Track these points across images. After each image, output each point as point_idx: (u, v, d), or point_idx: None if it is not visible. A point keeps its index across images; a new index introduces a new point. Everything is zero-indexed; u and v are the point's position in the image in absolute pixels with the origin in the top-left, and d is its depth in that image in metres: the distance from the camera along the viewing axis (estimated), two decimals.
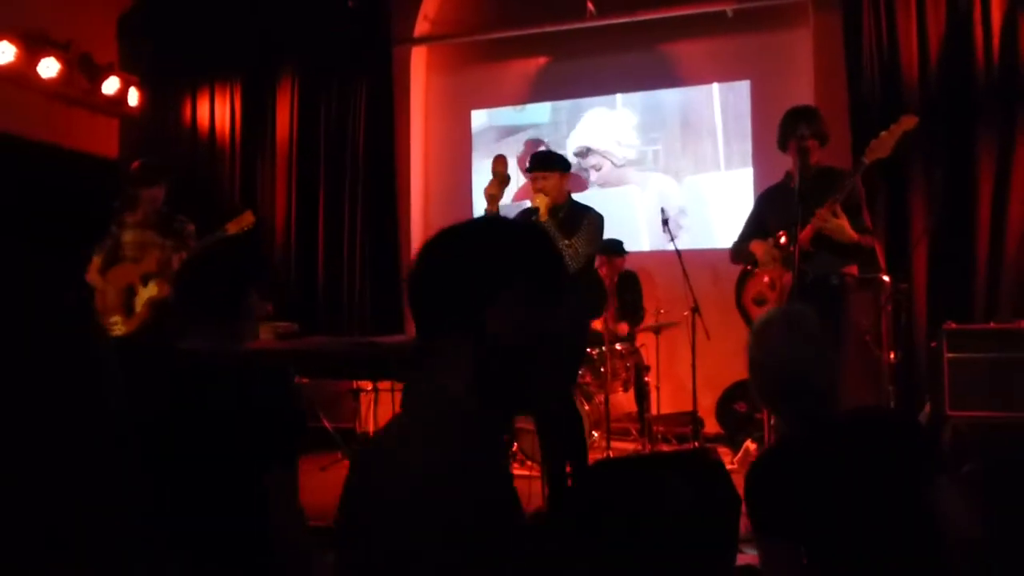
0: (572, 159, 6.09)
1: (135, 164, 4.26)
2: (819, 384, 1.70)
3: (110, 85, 5.89)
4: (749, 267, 3.75)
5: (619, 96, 6.13)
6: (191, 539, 1.64)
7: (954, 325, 4.17)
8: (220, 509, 1.65)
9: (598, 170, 6.16)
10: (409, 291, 1.12)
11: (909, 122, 3.37)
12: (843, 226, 3.35)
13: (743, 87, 5.80)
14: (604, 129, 6.15)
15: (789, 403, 1.73)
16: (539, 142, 6.23)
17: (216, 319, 1.79)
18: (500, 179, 3.64)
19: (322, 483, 4.42)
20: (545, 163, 3.74)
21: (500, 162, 3.68)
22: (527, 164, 3.87)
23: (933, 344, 4.30)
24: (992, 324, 4.20)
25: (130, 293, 4.11)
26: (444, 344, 1.09)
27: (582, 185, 6.13)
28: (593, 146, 6.17)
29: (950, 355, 4.11)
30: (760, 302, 3.64)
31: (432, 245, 1.13)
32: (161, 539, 1.66)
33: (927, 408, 4.42)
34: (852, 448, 1.65)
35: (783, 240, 3.53)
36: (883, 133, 3.37)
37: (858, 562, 1.59)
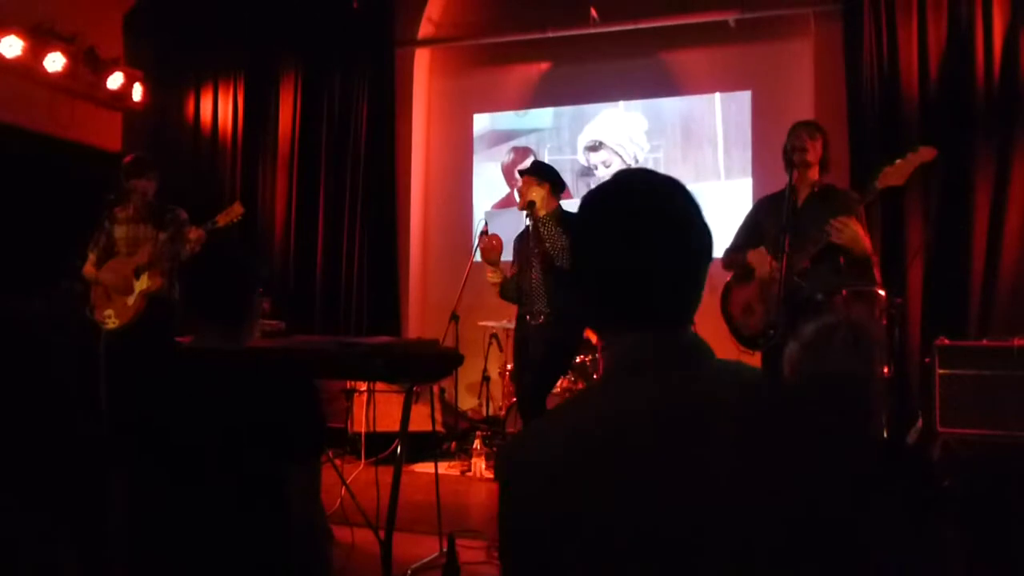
0: (582, 154, 6.13)
1: (127, 157, 4.30)
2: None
3: (115, 80, 5.92)
4: (734, 277, 3.72)
5: (623, 103, 6.14)
6: (210, 536, 1.65)
7: (947, 341, 4.15)
8: (240, 506, 1.65)
9: (607, 167, 6.15)
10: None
11: (928, 154, 3.25)
12: (858, 235, 3.26)
13: (744, 97, 5.80)
14: (617, 127, 6.14)
15: None
16: (527, 150, 6.24)
17: (225, 320, 1.80)
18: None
19: None
20: (541, 173, 3.82)
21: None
22: (522, 169, 3.95)
23: (927, 360, 4.28)
24: (984, 341, 4.18)
25: (125, 287, 4.14)
26: None
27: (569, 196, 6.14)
28: (606, 141, 6.17)
29: (942, 371, 4.09)
30: (749, 311, 3.62)
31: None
32: (177, 536, 1.66)
33: (919, 423, 4.40)
34: None
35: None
36: (899, 161, 3.26)
37: None
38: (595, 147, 6.17)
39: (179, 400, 1.69)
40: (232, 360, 1.74)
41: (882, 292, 4.32)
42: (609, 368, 1.01)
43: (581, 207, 1.05)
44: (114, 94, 6.00)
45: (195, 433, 1.66)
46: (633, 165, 6.09)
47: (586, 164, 6.13)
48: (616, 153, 6.13)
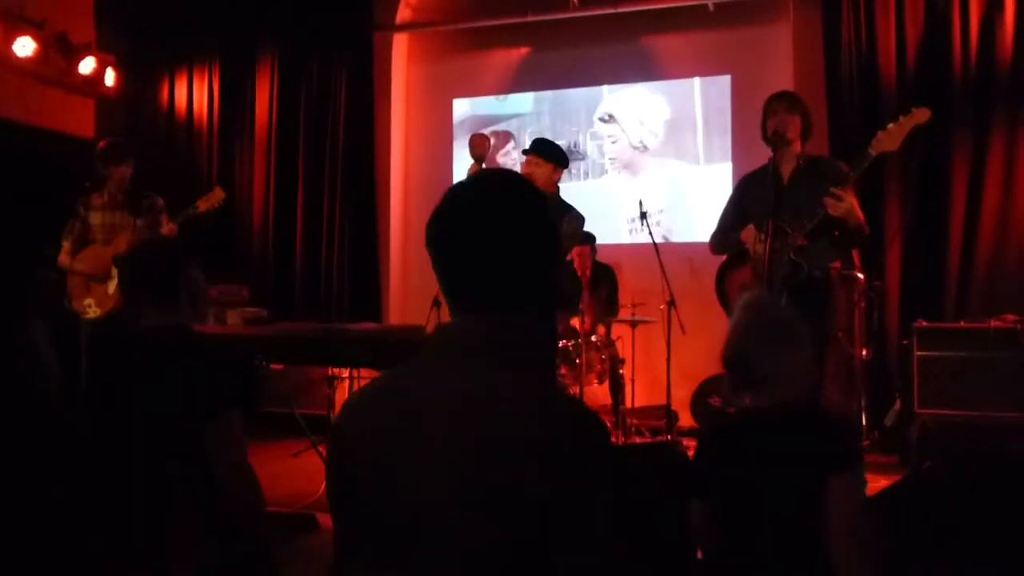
0: (596, 122, 6.08)
1: (102, 144, 4.22)
2: (759, 371, 1.83)
3: (86, 65, 5.81)
4: (730, 259, 3.68)
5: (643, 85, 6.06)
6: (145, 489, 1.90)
7: (925, 323, 4.21)
8: (170, 458, 1.90)
9: (614, 142, 6.11)
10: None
11: (921, 115, 3.17)
12: (853, 207, 3.19)
13: (724, 81, 5.81)
14: (633, 106, 6.08)
15: (733, 378, 1.90)
16: (508, 134, 6.21)
17: (155, 298, 2.02)
18: (482, 161, 3.63)
19: (293, 469, 4.43)
20: (542, 150, 3.72)
21: (475, 142, 3.67)
22: (526, 148, 3.86)
23: (904, 342, 4.34)
24: (962, 323, 4.24)
25: (103, 275, 4.08)
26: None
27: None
28: (618, 116, 6.12)
29: (920, 353, 4.15)
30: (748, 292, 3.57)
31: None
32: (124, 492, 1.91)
33: (897, 405, 4.46)
34: (768, 434, 1.81)
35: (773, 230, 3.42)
36: (891, 125, 3.17)
37: (751, 537, 1.79)
38: (607, 119, 6.13)
39: (121, 375, 1.99)
40: (164, 336, 1.98)
41: (861, 275, 4.37)
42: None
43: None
44: (86, 80, 5.88)
45: (132, 401, 1.93)
46: (639, 148, 6.06)
47: (596, 136, 6.08)
48: (624, 132, 6.09)
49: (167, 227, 4.08)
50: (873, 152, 3.20)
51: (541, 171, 3.64)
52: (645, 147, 6.03)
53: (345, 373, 5.09)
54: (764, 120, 3.47)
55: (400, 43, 6.43)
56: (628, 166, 6.08)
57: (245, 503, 1.90)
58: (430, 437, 1.03)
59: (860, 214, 3.26)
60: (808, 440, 1.78)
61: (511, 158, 6.19)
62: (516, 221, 1.11)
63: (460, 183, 1.20)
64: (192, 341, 2.01)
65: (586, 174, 6.15)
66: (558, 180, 3.74)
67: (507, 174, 1.20)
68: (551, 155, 3.70)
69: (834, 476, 1.71)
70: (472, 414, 1.02)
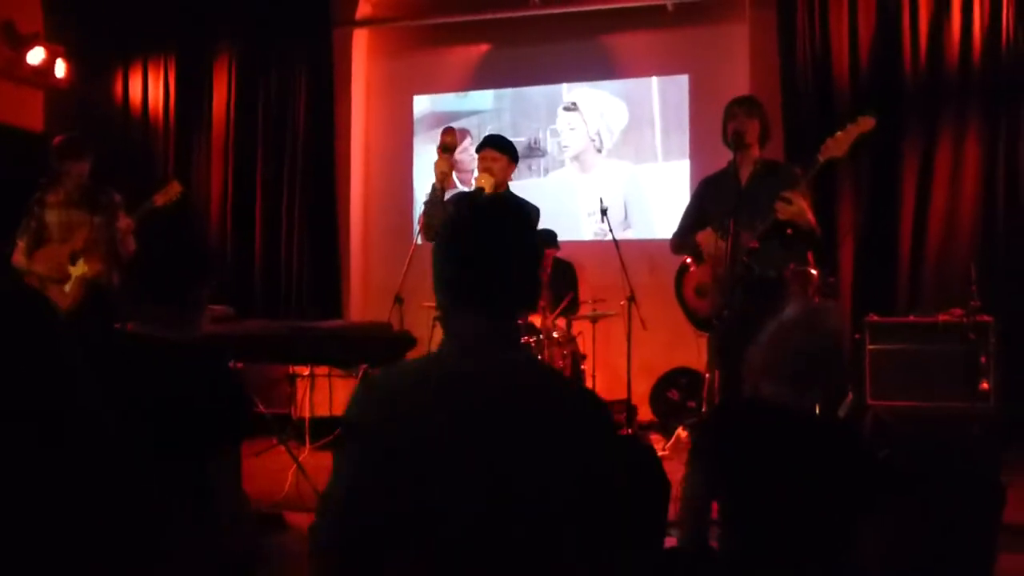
0: (559, 112, 6.16)
1: (58, 139, 4.12)
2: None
3: (35, 55, 5.66)
4: (688, 260, 3.77)
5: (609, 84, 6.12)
6: (136, 523, 1.67)
7: (876, 318, 4.34)
8: (164, 493, 1.68)
9: (572, 129, 6.16)
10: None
11: (867, 124, 3.33)
12: (803, 209, 3.31)
13: (682, 80, 5.90)
14: (597, 101, 6.13)
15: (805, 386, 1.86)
16: (465, 131, 6.20)
17: (166, 307, 1.83)
18: (451, 153, 3.65)
19: (256, 469, 4.39)
20: (500, 144, 3.75)
21: (449, 133, 3.67)
22: (478, 143, 3.88)
23: (856, 336, 4.47)
24: (912, 317, 4.38)
25: (60, 275, 3.99)
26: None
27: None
28: (583, 108, 6.16)
29: (871, 347, 4.28)
30: (702, 293, 3.65)
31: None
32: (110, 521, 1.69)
33: (849, 397, 4.60)
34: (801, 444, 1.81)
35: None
36: (839, 133, 3.32)
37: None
38: (571, 107, 6.17)
39: (108, 386, 1.72)
40: (162, 348, 1.78)
41: (814, 271, 4.48)
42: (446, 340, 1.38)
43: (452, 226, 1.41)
44: (35, 70, 5.73)
45: (121, 420, 1.68)
46: (596, 141, 6.12)
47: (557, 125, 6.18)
48: (584, 122, 6.15)
49: (124, 222, 4.00)
50: (821, 158, 3.35)
51: (499, 165, 3.68)
52: (601, 141, 6.10)
53: (305, 371, 5.06)
54: (725, 123, 3.56)
55: (360, 39, 6.38)
56: (588, 163, 6.14)
57: (242, 539, 1.80)
58: (469, 413, 1.23)
59: (811, 217, 3.38)
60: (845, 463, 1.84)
61: (469, 154, 6.19)
62: (524, 240, 1.37)
63: (473, 202, 1.42)
64: (208, 363, 1.81)
65: (545, 171, 6.20)
66: (510, 175, 3.78)
67: (511, 199, 1.42)
68: (507, 149, 3.75)
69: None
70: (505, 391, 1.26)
